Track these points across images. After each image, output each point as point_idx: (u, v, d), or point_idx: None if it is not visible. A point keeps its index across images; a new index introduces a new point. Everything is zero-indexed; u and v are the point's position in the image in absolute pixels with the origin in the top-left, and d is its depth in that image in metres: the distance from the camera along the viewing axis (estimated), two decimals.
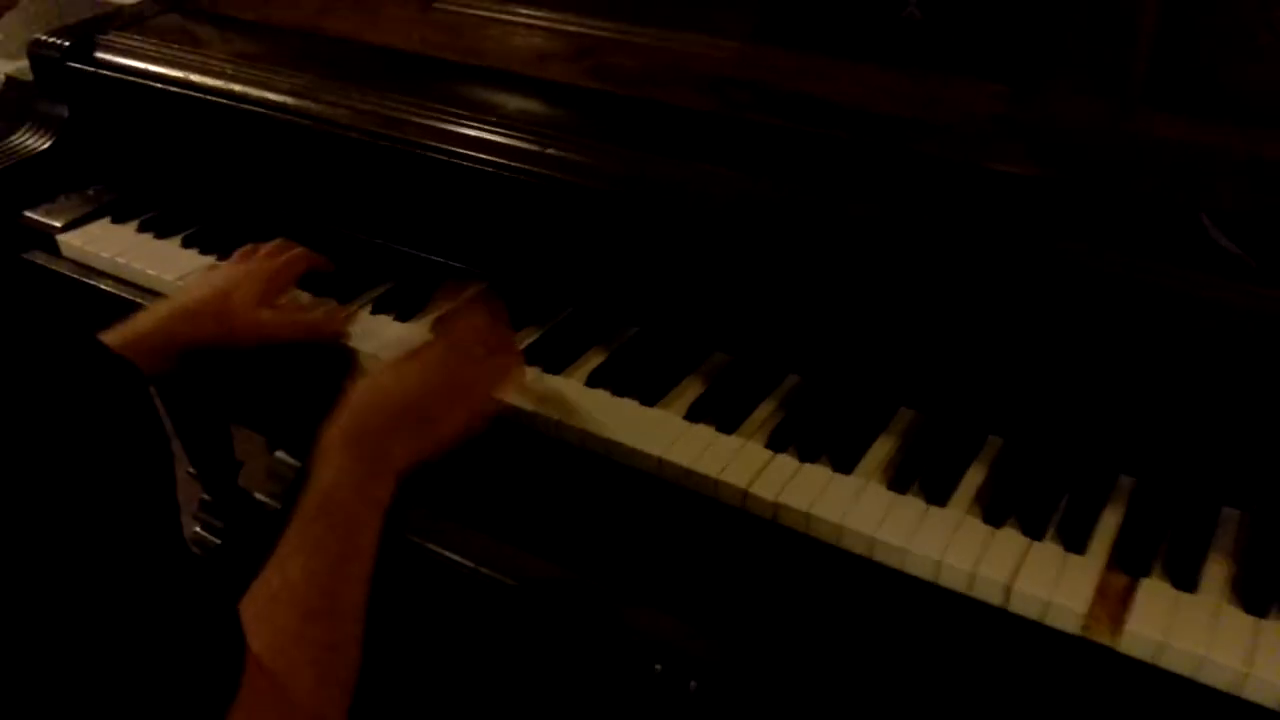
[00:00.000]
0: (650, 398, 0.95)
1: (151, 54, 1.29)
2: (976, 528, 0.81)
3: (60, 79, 1.32)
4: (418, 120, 1.11)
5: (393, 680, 0.80)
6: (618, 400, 0.95)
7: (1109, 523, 0.81)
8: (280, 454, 1.84)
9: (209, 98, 1.22)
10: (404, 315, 1.07)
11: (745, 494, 0.85)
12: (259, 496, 1.79)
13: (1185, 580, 0.76)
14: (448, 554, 1.64)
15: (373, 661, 0.73)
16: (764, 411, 0.93)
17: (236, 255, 1.12)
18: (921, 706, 0.87)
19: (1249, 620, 0.73)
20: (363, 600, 0.75)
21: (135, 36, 1.32)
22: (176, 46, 1.30)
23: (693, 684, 1.49)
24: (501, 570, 1.57)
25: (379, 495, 0.80)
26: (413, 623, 0.87)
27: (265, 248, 1.12)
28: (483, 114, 1.09)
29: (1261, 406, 0.80)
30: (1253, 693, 0.70)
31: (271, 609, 0.68)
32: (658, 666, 1.50)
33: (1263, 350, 0.78)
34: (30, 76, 1.42)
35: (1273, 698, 0.70)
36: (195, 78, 1.24)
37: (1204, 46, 0.84)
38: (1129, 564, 0.77)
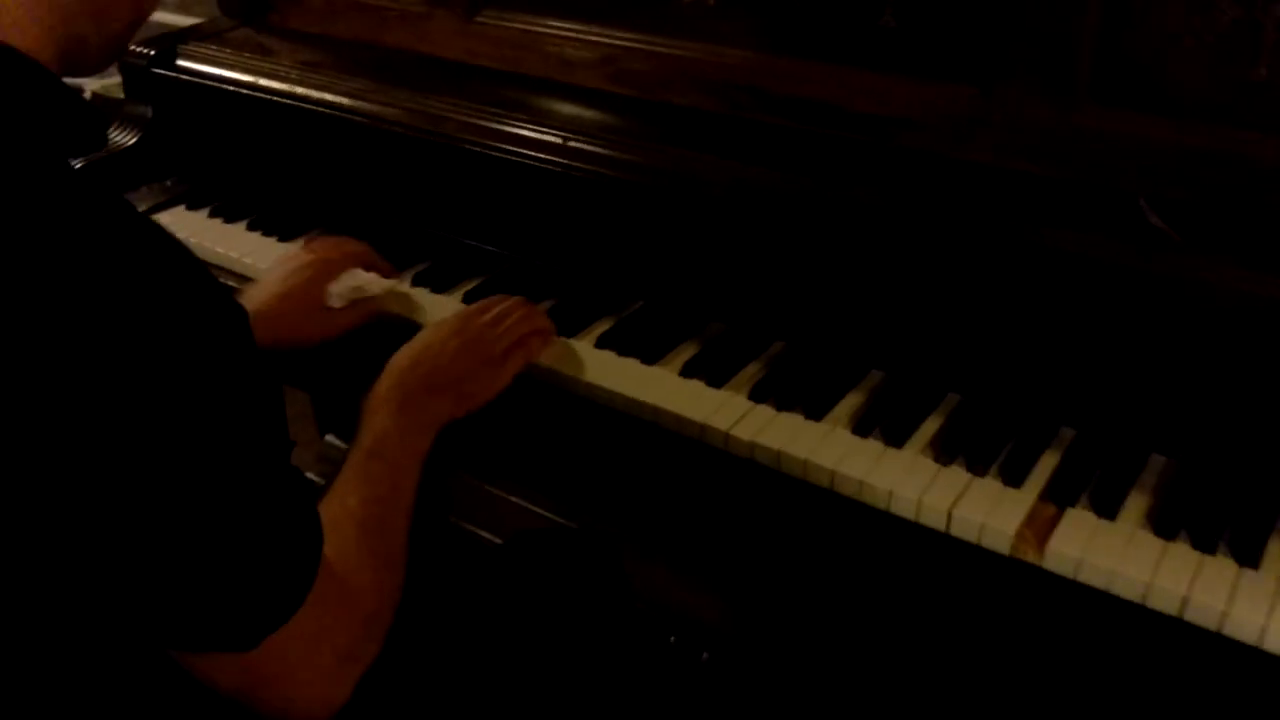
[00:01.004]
0: (650, 358, 1.07)
1: (226, 62, 1.45)
2: (927, 465, 0.92)
3: (146, 83, 1.49)
4: (457, 118, 1.25)
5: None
6: (622, 359, 1.08)
7: (1047, 464, 0.92)
8: (330, 437, 1.98)
9: (275, 99, 1.38)
10: (439, 289, 1.21)
11: (727, 436, 0.97)
12: (310, 475, 1.93)
13: (1107, 510, 0.86)
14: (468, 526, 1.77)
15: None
16: (750, 370, 1.05)
17: (303, 242, 1.25)
18: (874, 624, 0.97)
19: (1158, 542, 0.83)
20: (406, 523, 0.88)
21: (212, 47, 1.49)
22: (248, 55, 1.46)
23: (705, 655, 1.59)
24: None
25: (420, 445, 0.94)
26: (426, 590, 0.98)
27: (328, 241, 1.21)
28: (514, 112, 1.22)
29: (1189, 366, 0.90)
30: (1156, 601, 0.80)
31: (335, 526, 0.79)
32: (672, 638, 1.61)
33: (1190, 315, 0.89)
34: (113, 94, 1.59)
35: (1172, 605, 0.80)
36: (264, 81, 1.40)
37: (1140, 50, 0.95)
38: (1059, 496, 0.88)
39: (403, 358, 1.00)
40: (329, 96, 1.35)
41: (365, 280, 1.14)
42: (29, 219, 0.60)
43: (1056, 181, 0.99)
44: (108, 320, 0.60)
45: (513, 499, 1.76)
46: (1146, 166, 0.96)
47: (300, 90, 1.37)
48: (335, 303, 1.12)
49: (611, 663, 1.15)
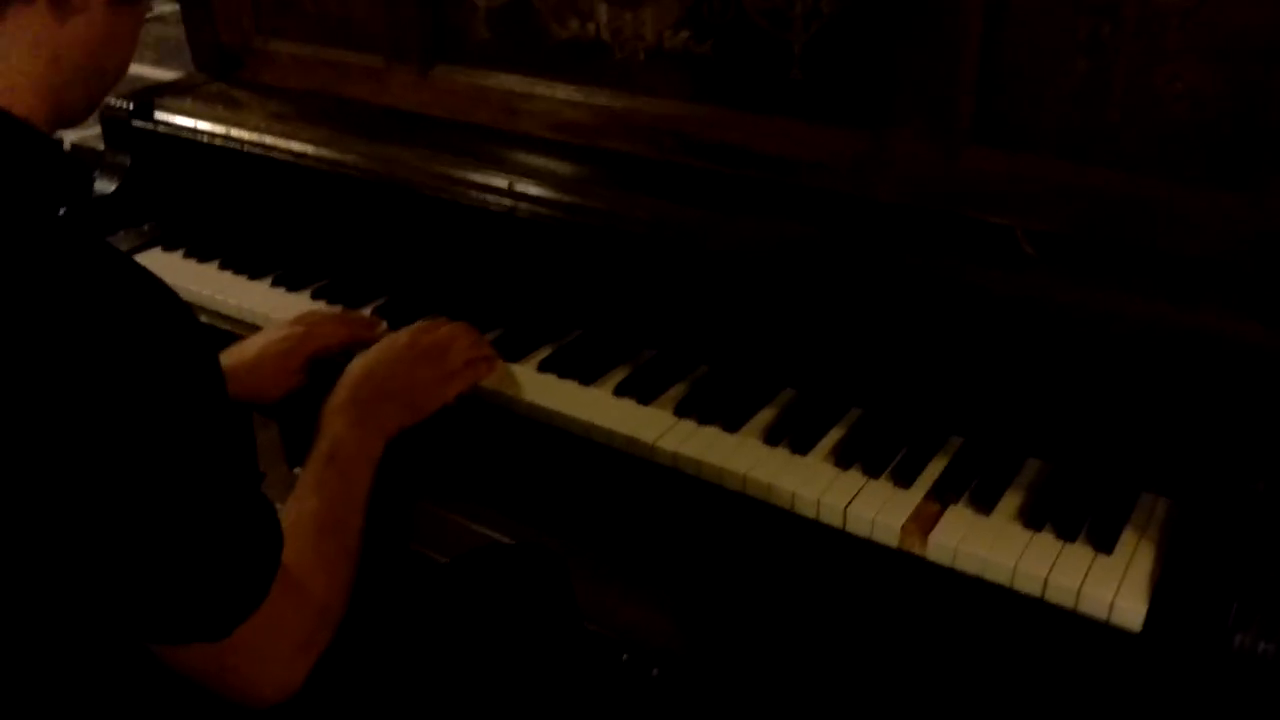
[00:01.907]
0: (587, 380, 1.17)
1: (200, 113, 1.56)
2: (828, 470, 1.03)
3: (125, 135, 1.60)
4: (411, 164, 1.36)
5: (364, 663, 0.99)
6: (561, 382, 1.18)
7: (935, 468, 1.02)
8: (299, 470, 2.07)
9: (245, 148, 1.49)
10: (395, 324, 1.31)
11: (653, 447, 1.07)
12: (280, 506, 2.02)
13: (984, 506, 0.97)
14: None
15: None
16: (675, 391, 1.16)
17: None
18: (786, 618, 1.07)
19: (1026, 533, 0.94)
20: (360, 520, 0.98)
21: (187, 100, 1.59)
22: (221, 108, 1.57)
23: (655, 671, 1.68)
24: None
25: (373, 449, 1.04)
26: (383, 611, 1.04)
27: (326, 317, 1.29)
28: (464, 158, 1.34)
29: (1060, 378, 1.01)
30: (1021, 584, 0.91)
31: (294, 530, 0.89)
32: (624, 656, 1.69)
33: (1059, 332, 1.00)
34: (90, 144, 1.70)
35: (1034, 587, 0.90)
36: (234, 131, 1.51)
37: (1011, 97, 1.07)
38: (942, 496, 0.99)
39: (357, 369, 1.10)
40: (294, 145, 1.46)
41: None
42: (26, 266, 0.70)
43: (944, 215, 1.10)
44: (96, 350, 0.70)
45: (474, 526, 1.85)
46: (1020, 200, 1.07)
47: (268, 140, 1.48)
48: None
49: (562, 678, 1.23)
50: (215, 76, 1.67)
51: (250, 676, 0.84)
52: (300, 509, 0.94)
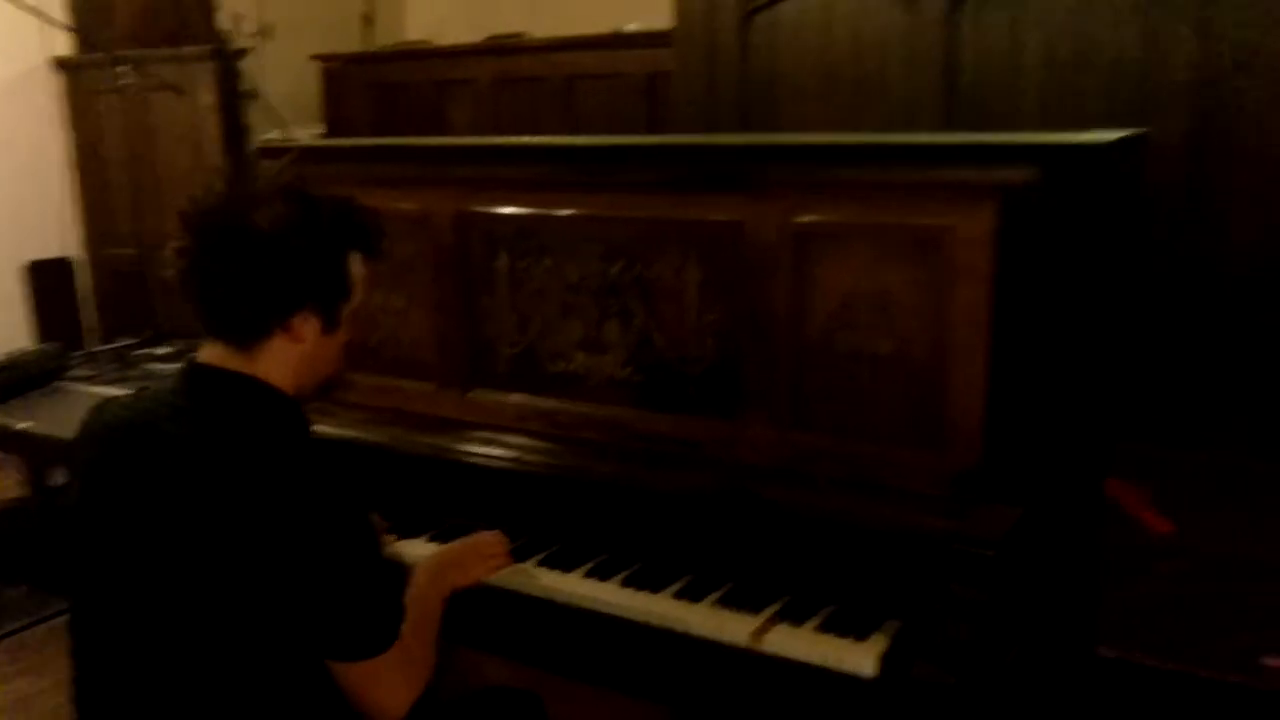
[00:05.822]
0: (566, 569, 1.92)
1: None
2: (711, 610, 1.76)
3: None
4: (453, 446, 2.16)
5: None
6: (550, 572, 1.92)
7: (772, 609, 1.76)
8: None
9: (332, 439, 2.28)
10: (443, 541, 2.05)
11: (610, 604, 1.80)
12: None
13: (797, 624, 1.70)
14: None
15: None
16: (622, 575, 1.89)
17: None
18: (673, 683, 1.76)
19: (819, 634, 1.67)
20: (433, 638, 1.71)
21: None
22: (321, 415, 2.37)
23: None
24: None
25: (440, 595, 1.79)
26: None
27: None
28: (490, 444, 2.14)
29: (839, 561, 1.77)
30: (813, 659, 1.62)
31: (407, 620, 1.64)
32: None
33: (841, 535, 1.77)
34: None
35: (819, 660, 1.62)
36: (333, 430, 2.31)
37: (810, 405, 1.91)
38: (774, 620, 1.72)
39: (433, 554, 1.87)
40: (368, 437, 2.26)
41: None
42: (287, 456, 1.49)
43: (778, 468, 1.91)
44: (320, 503, 1.48)
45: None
46: (819, 459, 1.89)
47: (351, 434, 2.29)
48: None
49: None
50: (316, 397, 2.49)
51: (380, 695, 1.55)
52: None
